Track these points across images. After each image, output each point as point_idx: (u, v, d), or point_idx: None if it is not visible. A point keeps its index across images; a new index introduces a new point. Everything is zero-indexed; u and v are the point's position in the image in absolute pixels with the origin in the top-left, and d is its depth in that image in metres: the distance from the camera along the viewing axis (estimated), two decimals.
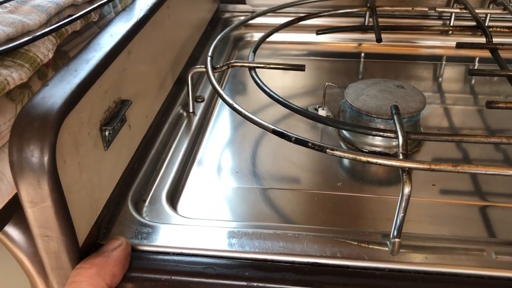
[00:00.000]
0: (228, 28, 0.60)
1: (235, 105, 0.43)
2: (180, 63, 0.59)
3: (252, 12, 0.76)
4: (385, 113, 0.49)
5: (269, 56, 0.73)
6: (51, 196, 0.31)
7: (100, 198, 0.38)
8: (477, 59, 0.72)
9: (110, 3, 0.50)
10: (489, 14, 0.70)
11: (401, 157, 0.38)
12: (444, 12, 0.72)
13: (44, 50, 0.37)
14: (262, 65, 0.52)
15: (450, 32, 0.73)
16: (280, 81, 0.66)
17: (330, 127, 0.55)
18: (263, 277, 0.35)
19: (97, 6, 0.43)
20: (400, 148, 0.38)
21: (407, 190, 0.36)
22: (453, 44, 0.57)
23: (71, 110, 0.33)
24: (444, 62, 0.73)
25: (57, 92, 0.33)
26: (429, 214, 0.43)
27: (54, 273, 0.35)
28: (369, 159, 0.37)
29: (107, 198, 0.39)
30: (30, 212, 0.32)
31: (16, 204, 0.37)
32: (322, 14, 0.67)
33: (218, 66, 0.52)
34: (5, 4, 0.38)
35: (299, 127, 0.55)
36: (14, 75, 0.33)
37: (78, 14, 0.39)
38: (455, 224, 0.43)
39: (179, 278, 0.35)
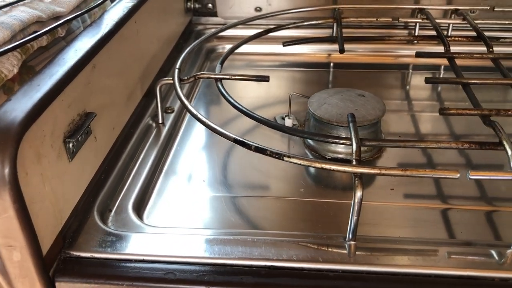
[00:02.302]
0: (195, 42, 0.61)
1: (199, 115, 0.45)
2: (149, 76, 0.60)
3: (224, 24, 0.78)
4: (345, 121, 0.50)
5: (241, 67, 0.75)
6: (13, 207, 0.32)
7: (65, 208, 0.39)
8: (442, 67, 0.75)
9: (79, 18, 0.52)
10: (451, 24, 0.72)
11: (354, 163, 0.40)
12: (408, 22, 0.75)
13: (9, 66, 0.38)
14: (228, 77, 0.54)
15: (416, 41, 0.75)
16: (252, 92, 0.68)
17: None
18: (221, 281, 0.36)
19: (62, 22, 0.44)
20: (354, 154, 0.40)
21: (358, 194, 0.37)
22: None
23: (32, 124, 0.34)
24: (410, 71, 0.75)
25: (19, 106, 0.34)
26: (386, 217, 0.45)
27: (18, 282, 0.36)
28: (323, 166, 0.39)
29: (72, 208, 0.40)
30: None
31: None
32: (290, 26, 0.69)
33: (186, 78, 0.54)
34: None
35: (269, 137, 0.56)
36: None
37: (42, 31, 0.41)
38: (411, 226, 0.44)
39: (140, 284, 0.36)
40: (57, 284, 0.37)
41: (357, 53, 0.78)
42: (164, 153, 0.53)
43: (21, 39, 0.40)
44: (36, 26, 0.43)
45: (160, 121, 0.57)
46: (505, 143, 0.41)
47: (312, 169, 0.52)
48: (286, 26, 0.68)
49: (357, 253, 0.38)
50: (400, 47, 0.77)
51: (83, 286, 0.37)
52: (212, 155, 0.54)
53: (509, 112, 0.45)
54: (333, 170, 0.39)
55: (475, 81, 0.51)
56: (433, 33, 0.64)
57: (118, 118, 0.51)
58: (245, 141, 0.42)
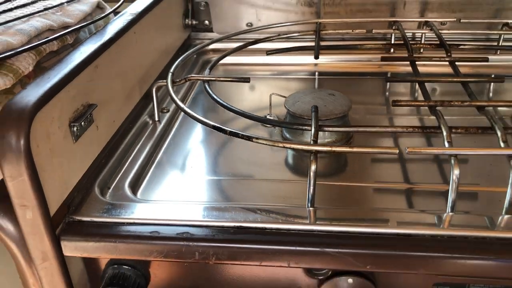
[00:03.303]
0: (189, 51, 0.70)
1: (182, 105, 0.53)
2: (148, 81, 0.69)
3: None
4: None
5: (232, 75, 0.83)
6: (26, 172, 0.40)
7: (70, 181, 0.47)
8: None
9: (86, 29, 0.61)
10: (423, 34, 0.80)
11: (311, 143, 0.47)
12: (381, 33, 0.82)
13: (25, 64, 0.46)
14: (214, 78, 0.62)
15: (392, 50, 0.83)
16: (243, 97, 0.75)
17: (277, 131, 0.64)
18: (197, 238, 0.43)
19: (70, 31, 0.53)
20: (312, 136, 0.48)
21: (313, 167, 0.45)
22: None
23: (43, 107, 0.42)
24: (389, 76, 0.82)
25: (32, 93, 0.42)
26: (339, 193, 0.52)
27: (30, 238, 0.44)
28: (285, 145, 0.47)
29: (76, 182, 0.48)
30: (11, 185, 0.41)
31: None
32: (273, 38, 0.77)
33: (177, 80, 0.62)
34: None
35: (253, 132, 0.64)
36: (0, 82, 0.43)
37: (53, 36, 0.49)
38: (366, 201, 0.51)
39: (130, 241, 0.44)
40: (62, 241, 0.45)
41: (341, 62, 0.85)
42: (158, 145, 0.61)
43: (36, 43, 0.49)
44: (49, 33, 0.51)
45: (156, 118, 0.65)
46: (442, 126, 0.48)
47: (288, 156, 0.59)
48: (270, 39, 0.76)
49: (314, 217, 0.45)
50: (377, 55, 0.84)
51: (83, 244, 0.45)
52: (201, 147, 0.62)
53: (451, 103, 0.52)
54: (293, 148, 0.46)
55: (429, 79, 0.58)
56: (401, 42, 0.71)
57: (118, 113, 0.59)
58: (221, 127, 0.49)
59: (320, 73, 0.84)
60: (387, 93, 0.78)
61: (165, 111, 0.68)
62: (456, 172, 0.43)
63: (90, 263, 0.48)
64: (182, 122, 0.67)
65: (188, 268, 0.47)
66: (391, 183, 0.54)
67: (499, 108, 0.65)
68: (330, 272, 0.46)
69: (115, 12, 0.64)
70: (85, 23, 0.55)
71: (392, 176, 0.55)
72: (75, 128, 0.47)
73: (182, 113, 0.69)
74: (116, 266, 0.48)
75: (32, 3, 0.53)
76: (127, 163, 0.56)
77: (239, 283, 0.47)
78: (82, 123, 0.48)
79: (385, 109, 0.71)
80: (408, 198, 0.51)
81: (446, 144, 0.46)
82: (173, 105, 0.69)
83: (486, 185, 0.52)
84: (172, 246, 0.44)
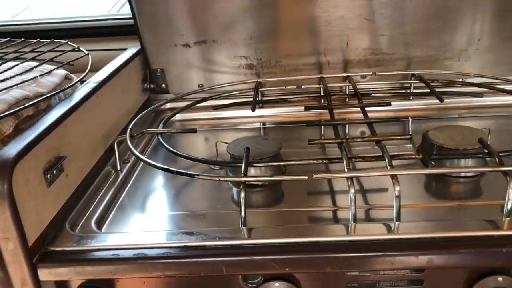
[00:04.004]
0: (145, 111, 0.82)
1: (136, 152, 0.65)
2: (111, 137, 0.80)
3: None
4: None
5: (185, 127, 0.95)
6: (9, 210, 0.51)
7: (44, 219, 0.57)
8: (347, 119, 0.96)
9: (56, 96, 0.73)
10: (346, 87, 0.94)
11: (242, 175, 0.59)
12: (308, 88, 0.95)
13: (7, 126, 0.58)
14: (166, 131, 0.74)
15: (322, 101, 0.97)
16: (196, 148, 0.87)
17: (223, 172, 0.75)
18: (149, 257, 0.54)
19: (43, 98, 0.64)
20: (242, 170, 0.60)
21: (242, 194, 0.56)
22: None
23: (21, 159, 0.53)
24: (322, 126, 0.96)
25: (13, 148, 0.54)
26: (272, 218, 0.64)
27: (11, 267, 0.53)
28: (220, 179, 0.59)
29: (50, 220, 0.58)
30: None
31: None
32: (218, 96, 0.90)
33: (135, 134, 0.74)
34: None
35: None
36: None
37: (29, 103, 0.61)
38: (285, 223, 0.63)
39: (93, 262, 0.54)
40: (38, 268, 0.54)
41: (280, 113, 0.98)
42: (120, 189, 0.72)
43: (15, 109, 0.61)
44: (25, 101, 0.63)
45: (118, 168, 0.76)
46: (343, 157, 0.60)
47: (233, 193, 0.70)
48: (216, 97, 0.90)
49: (245, 234, 0.56)
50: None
51: (56, 269, 0.54)
52: (157, 190, 0.73)
53: (354, 139, 0.66)
54: (226, 180, 0.58)
55: (339, 122, 0.72)
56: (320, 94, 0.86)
57: (85, 164, 0.70)
58: (169, 168, 0.61)
59: (262, 123, 0.97)
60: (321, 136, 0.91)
61: (126, 161, 0.79)
62: (352, 190, 0.56)
63: (62, 286, 0.58)
64: (141, 170, 0.78)
65: (146, 285, 0.57)
66: (318, 206, 0.65)
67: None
68: (261, 280, 0.56)
69: (81, 81, 0.76)
70: (55, 92, 0.67)
71: (320, 202, 0.66)
72: (48, 176, 0.58)
73: (141, 163, 0.80)
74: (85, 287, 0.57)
75: (11, 77, 0.65)
76: (93, 205, 0.66)
77: None
78: (54, 171, 0.59)
79: (315, 148, 0.84)
80: (327, 216, 0.63)
81: (345, 170, 0.58)
82: (133, 157, 0.80)
83: (379, 202, 0.64)
84: (129, 265, 0.54)
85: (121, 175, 0.75)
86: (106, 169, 0.75)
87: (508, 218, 0.55)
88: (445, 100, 0.81)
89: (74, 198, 0.65)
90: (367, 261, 0.53)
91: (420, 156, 0.61)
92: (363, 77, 0.98)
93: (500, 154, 0.60)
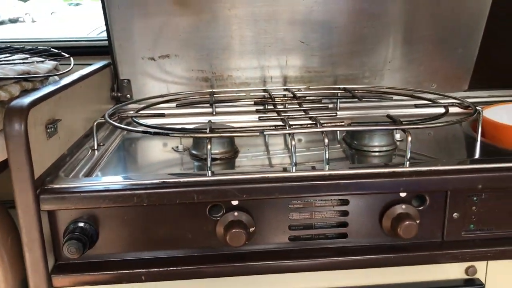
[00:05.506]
0: (111, 108, 0.96)
1: (118, 125, 0.79)
2: (90, 122, 0.93)
3: (137, 107, 1.14)
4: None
5: None
6: (24, 146, 0.63)
7: (44, 163, 0.70)
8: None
9: (50, 79, 0.86)
10: (286, 95, 1.13)
11: (208, 131, 0.75)
12: (256, 98, 1.14)
13: (14, 90, 0.71)
14: (139, 115, 0.88)
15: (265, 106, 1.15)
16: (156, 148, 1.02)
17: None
18: (135, 187, 0.67)
19: (42, 76, 0.78)
20: (208, 129, 0.75)
21: (209, 146, 0.72)
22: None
23: (32, 108, 0.66)
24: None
25: (27, 99, 0.67)
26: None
27: (19, 195, 0.65)
28: (191, 135, 0.74)
29: (48, 166, 0.71)
30: (12, 155, 0.63)
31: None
32: (181, 98, 1.07)
33: (113, 118, 0.88)
34: None
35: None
36: None
37: (31, 75, 0.75)
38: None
39: (89, 194, 0.66)
40: (40, 197, 0.66)
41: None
42: (100, 159, 0.84)
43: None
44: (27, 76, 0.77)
45: (95, 147, 0.88)
46: (286, 122, 0.78)
47: (190, 163, 0.85)
48: (177, 99, 1.06)
49: (211, 173, 0.71)
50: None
51: (52, 200, 0.66)
52: (132, 160, 0.86)
53: (294, 116, 0.84)
54: (195, 136, 0.73)
55: (282, 109, 0.90)
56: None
57: (72, 135, 0.83)
58: (148, 130, 0.76)
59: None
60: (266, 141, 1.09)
61: (102, 145, 0.92)
62: (293, 142, 0.73)
63: (54, 220, 0.69)
64: (119, 147, 0.92)
65: (128, 220, 0.70)
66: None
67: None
68: (222, 212, 0.70)
69: (67, 73, 0.90)
70: (50, 74, 0.81)
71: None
72: (48, 130, 0.71)
73: (115, 145, 0.93)
74: (75, 222, 0.69)
75: (14, 60, 0.79)
76: (80, 165, 0.79)
77: (166, 222, 0.70)
78: (52, 128, 0.72)
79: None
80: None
81: (287, 128, 0.76)
82: (107, 142, 0.93)
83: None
84: (118, 194, 0.67)
85: (98, 153, 0.87)
86: (85, 146, 0.88)
87: (408, 162, 0.75)
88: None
89: (63, 159, 0.78)
90: (305, 189, 0.69)
91: (343, 122, 0.80)
92: (299, 90, 1.18)
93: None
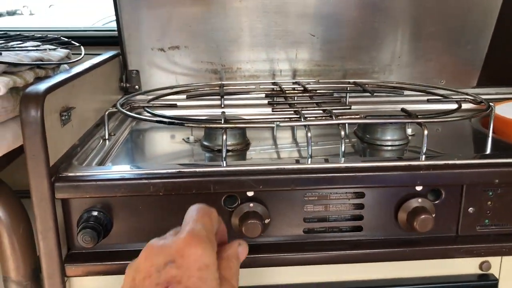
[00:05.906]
0: (123, 98, 0.95)
1: (130, 113, 0.78)
2: (101, 112, 0.92)
3: (145, 98, 1.13)
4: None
5: None
6: (40, 133, 0.62)
7: (58, 151, 0.69)
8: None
9: (62, 67, 0.85)
10: (296, 88, 1.13)
11: (223, 122, 0.74)
12: (265, 88, 1.14)
13: (28, 77, 0.70)
14: (151, 105, 0.88)
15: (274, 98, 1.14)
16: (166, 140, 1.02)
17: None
18: (151, 177, 0.66)
19: (54, 63, 0.77)
20: (223, 120, 0.75)
21: (224, 137, 0.71)
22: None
23: (48, 94, 0.65)
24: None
25: (42, 85, 0.66)
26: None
27: (33, 182, 0.64)
28: (206, 125, 0.73)
29: (63, 153, 0.70)
30: (28, 142, 0.63)
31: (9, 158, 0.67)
32: (191, 90, 1.06)
33: (124, 108, 0.87)
34: None
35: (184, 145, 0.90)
36: None
37: (45, 62, 0.74)
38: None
39: (104, 183, 0.66)
40: (55, 186, 0.65)
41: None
42: (112, 148, 0.84)
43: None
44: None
45: (106, 137, 0.88)
46: (300, 113, 0.77)
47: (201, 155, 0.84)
48: (187, 90, 1.05)
49: (226, 164, 0.70)
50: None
51: (67, 188, 0.65)
52: (144, 149, 0.86)
53: (307, 108, 0.83)
54: (211, 127, 0.73)
55: (294, 101, 0.89)
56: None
57: (84, 124, 0.82)
58: (163, 119, 0.75)
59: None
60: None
61: (113, 134, 0.91)
62: (309, 134, 0.72)
63: (68, 208, 0.68)
64: (129, 137, 0.91)
65: (142, 210, 0.69)
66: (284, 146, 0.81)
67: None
68: (238, 203, 0.70)
69: (78, 62, 0.90)
70: (62, 62, 0.80)
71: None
72: (63, 117, 0.70)
73: (126, 135, 0.93)
74: (89, 210, 0.68)
75: (27, 47, 0.78)
76: (92, 154, 0.78)
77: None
78: (66, 116, 0.71)
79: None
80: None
81: (303, 120, 0.75)
82: (118, 132, 0.93)
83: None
84: (134, 183, 0.66)
85: (109, 142, 0.87)
86: (96, 136, 0.87)
87: (424, 156, 0.74)
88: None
89: (75, 148, 0.77)
90: (321, 181, 0.69)
91: (359, 116, 0.79)
92: (308, 83, 1.17)
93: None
